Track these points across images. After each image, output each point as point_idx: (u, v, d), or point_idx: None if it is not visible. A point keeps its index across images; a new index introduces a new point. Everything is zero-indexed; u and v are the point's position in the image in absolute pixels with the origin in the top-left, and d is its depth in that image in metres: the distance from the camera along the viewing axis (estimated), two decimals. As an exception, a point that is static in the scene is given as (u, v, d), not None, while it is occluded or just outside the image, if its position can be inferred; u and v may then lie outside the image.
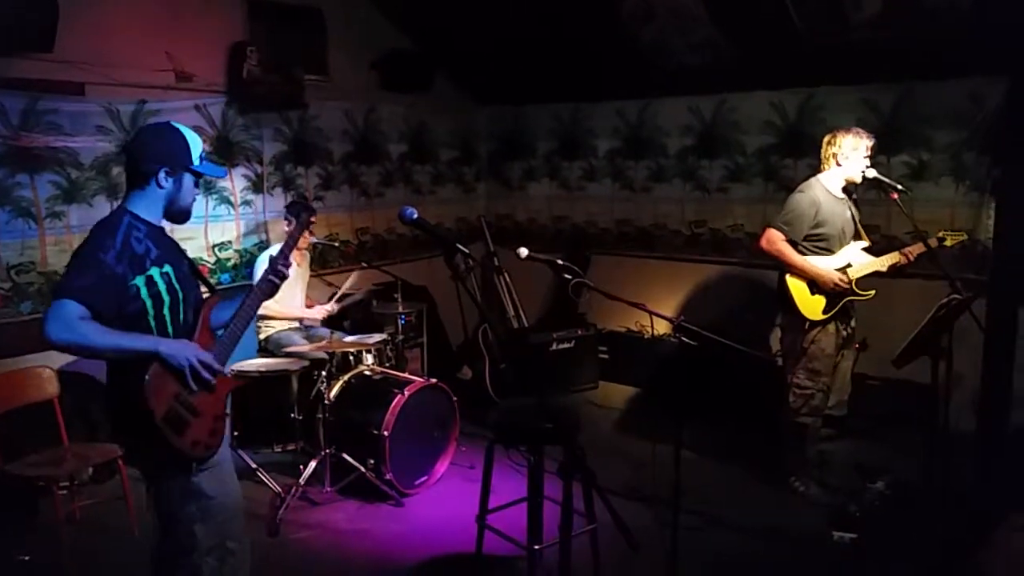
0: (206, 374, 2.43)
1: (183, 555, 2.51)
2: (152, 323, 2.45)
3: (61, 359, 4.40)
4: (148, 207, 2.52)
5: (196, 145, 2.57)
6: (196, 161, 2.55)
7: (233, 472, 2.71)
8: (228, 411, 2.73)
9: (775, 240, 4.22)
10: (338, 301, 5.27)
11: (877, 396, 5.05)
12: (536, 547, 3.27)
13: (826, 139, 4.28)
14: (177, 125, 2.59)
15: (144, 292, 2.42)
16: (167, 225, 2.64)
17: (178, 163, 2.52)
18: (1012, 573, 3.42)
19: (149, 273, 2.43)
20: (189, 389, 2.43)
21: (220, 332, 2.63)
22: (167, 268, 2.49)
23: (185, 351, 2.40)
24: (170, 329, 2.49)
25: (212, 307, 2.63)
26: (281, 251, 2.74)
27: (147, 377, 2.34)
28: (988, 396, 4.23)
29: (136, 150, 2.55)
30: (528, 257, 3.36)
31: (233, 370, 3.00)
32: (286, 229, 5.17)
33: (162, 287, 2.46)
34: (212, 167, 2.68)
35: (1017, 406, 4.34)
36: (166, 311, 2.48)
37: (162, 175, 2.49)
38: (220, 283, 5.38)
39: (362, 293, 5.61)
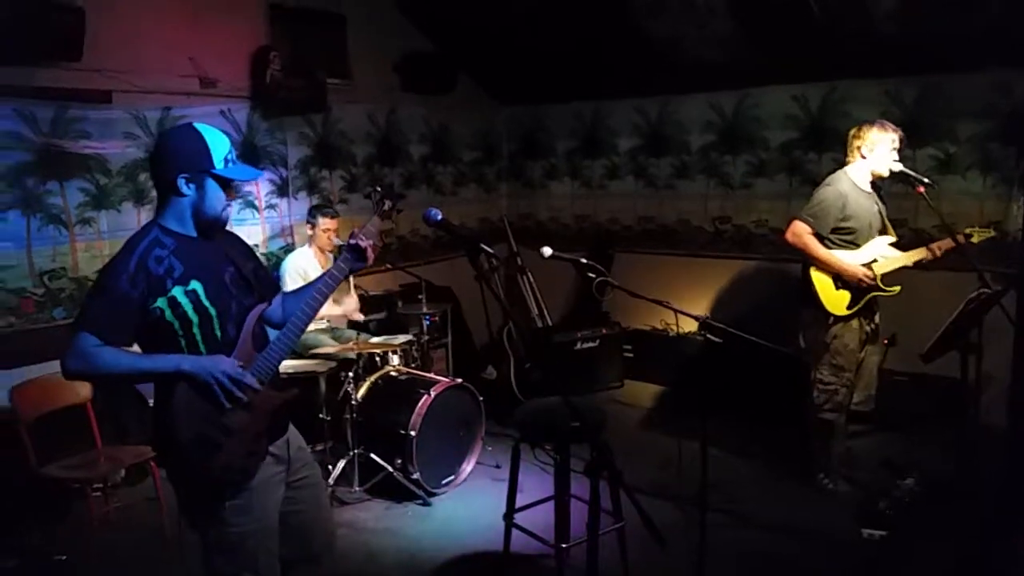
0: (237, 391, 2.29)
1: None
2: (183, 343, 2.32)
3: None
4: (178, 218, 2.36)
5: (219, 147, 2.34)
6: (219, 164, 2.32)
7: (268, 498, 2.43)
8: (289, 442, 2.55)
9: (801, 233, 4.19)
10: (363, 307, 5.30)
11: (906, 392, 5.00)
12: (564, 545, 3.28)
13: (852, 132, 4.23)
14: (199, 126, 2.36)
15: (169, 314, 2.28)
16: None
17: (196, 168, 2.30)
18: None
19: (171, 294, 2.27)
20: (222, 408, 2.29)
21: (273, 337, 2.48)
22: (194, 285, 2.31)
23: (211, 366, 2.27)
24: (202, 348, 2.33)
25: (257, 318, 2.46)
26: (365, 228, 2.59)
27: (174, 399, 2.25)
28: (1019, 391, 4.17)
29: (155, 158, 2.40)
30: (552, 256, 3.36)
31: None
32: (309, 232, 5.22)
33: (187, 307, 2.29)
34: (241, 170, 2.45)
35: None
36: (196, 330, 2.32)
37: (181, 182, 2.30)
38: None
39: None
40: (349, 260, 2.55)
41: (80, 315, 2.29)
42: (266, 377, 2.40)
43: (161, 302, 2.26)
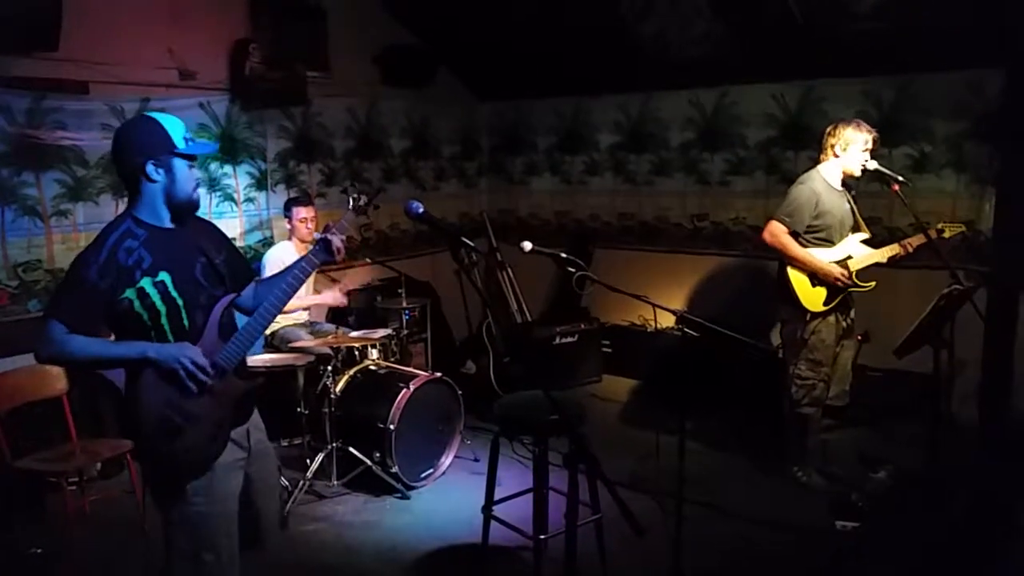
0: (201, 376, 2.36)
1: (168, 556, 2.48)
2: (151, 332, 2.39)
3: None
4: (151, 208, 2.43)
5: (176, 128, 2.42)
6: (180, 144, 2.41)
7: (229, 482, 2.50)
8: (249, 432, 2.60)
9: (778, 233, 4.24)
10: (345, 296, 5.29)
11: (879, 386, 5.08)
12: (542, 537, 3.31)
13: (827, 130, 4.29)
14: (151, 114, 2.46)
15: (137, 304, 2.34)
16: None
17: (161, 150, 2.38)
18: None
19: (140, 285, 2.34)
20: (185, 393, 2.37)
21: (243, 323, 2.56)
22: (162, 276, 2.37)
23: (176, 352, 2.35)
24: (170, 337, 2.40)
25: (224, 307, 2.52)
26: (339, 224, 2.70)
27: (140, 384, 2.34)
28: (989, 385, 4.26)
29: (118, 152, 2.43)
30: (532, 250, 3.36)
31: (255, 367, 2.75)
32: (287, 226, 5.22)
33: (155, 298, 2.36)
34: (200, 145, 2.57)
35: (1018, 394, 4.36)
36: (164, 320, 2.39)
37: (150, 168, 2.37)
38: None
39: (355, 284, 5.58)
40: (319, 254, 2.64)
41: (51, 304, 2.42)
42: (231, 365, 2.47)
43: (130, 292, 2.33)
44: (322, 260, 2.65)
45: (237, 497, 2.54)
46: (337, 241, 2.63)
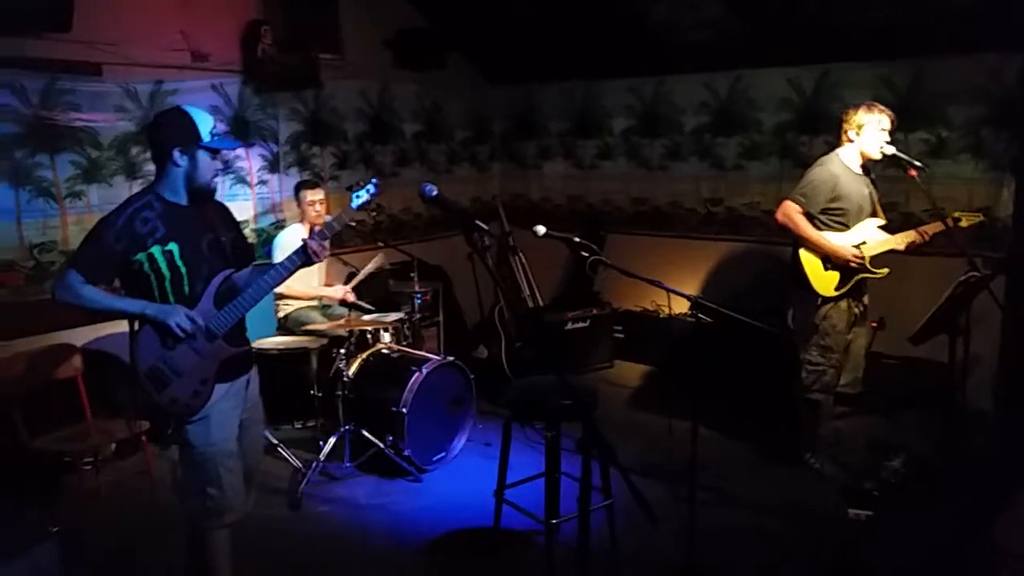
0: (182, 333, 2.66)
1: (181, 494, 2.90)
2: (155, 293, 2.72)
3: (84, 337, 4.47)
4: (172, 188, 2.76)
5: (204, 123, 2.73)
6: (206, 137, 2.73)
7: (228, 425, 2.85)
8: (249, 381, 2.97)
9: (791, 213, 4.20)
10: (355, 289, 5.29)
11: (894, 374, 5.04)
12: (554, 521, 3.31)
13: (843, 114, 4.25)
14: (186, 107, 2.77)
15: (146, 267, 2.68)
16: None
17: (188, 141, 2.70)
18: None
19: (150, 251, 2.67)
20: (174, 349, 2.69)
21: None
22: (171, 247, 2.69)
23: (170, 311, 2.68)
24: (172, 299, 2.73)
25: (222, 281, 2.80)
26: (321, 231, 2.91)
27: (139, 337, 2.70)
28: (1005, 374, 4.22)
29: (152, 135, 2.83)
30: (546, 234, 3.35)
31: (255, 348, 3.12)
32: (298, 209, 5.23)
33: (162, 264, 2.69)
34: (224, 142, 2.90)
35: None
36: (167, 284, 2.71)
37: (176, 154, 2.70)
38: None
39: (373, 265, 5.59)
40: (296, 258, 2.84)
41: (73, 255, 2.81)
42: (221, 331, 2.78)
43: (141, 256, 2.68)
44: (297, 265, 2.85)
45: (235, 438, 2.89)
46: (314, 245, 2.82)
